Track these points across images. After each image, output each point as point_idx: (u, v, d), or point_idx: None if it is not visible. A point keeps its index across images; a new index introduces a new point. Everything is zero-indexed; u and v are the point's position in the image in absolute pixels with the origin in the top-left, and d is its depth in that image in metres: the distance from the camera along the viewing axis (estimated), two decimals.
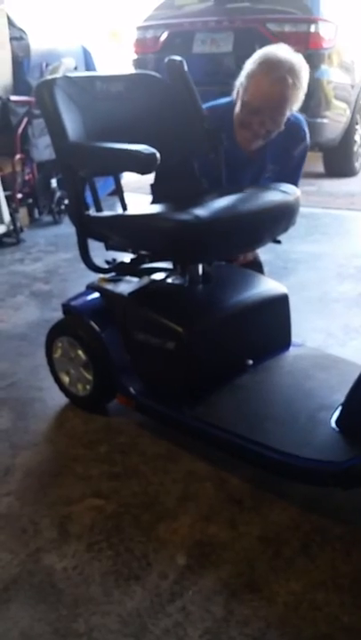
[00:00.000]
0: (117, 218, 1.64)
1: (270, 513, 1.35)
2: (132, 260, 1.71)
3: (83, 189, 1.64)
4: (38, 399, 1.85)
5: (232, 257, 1.89)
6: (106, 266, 1.74)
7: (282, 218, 1.62)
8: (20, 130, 3.66)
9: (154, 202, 1.89)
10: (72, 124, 1.59)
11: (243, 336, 1.65)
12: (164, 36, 5.05)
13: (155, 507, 1.38)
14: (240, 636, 1.07)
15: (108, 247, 1.67)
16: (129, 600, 1.14)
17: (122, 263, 1.72)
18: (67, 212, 1.64)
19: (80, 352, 1.70)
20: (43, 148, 3.77)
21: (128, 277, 1.74)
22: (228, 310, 1.62)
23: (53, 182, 3.97)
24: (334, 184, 5.09)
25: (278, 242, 1.72)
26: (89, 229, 1.64)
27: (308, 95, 5.04)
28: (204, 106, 1.86)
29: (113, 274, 1.76)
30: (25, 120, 3.67)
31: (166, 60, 1.77)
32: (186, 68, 1.75)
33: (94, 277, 1.77)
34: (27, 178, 3.86)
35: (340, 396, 1.39)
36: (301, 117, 2.06)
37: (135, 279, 1.73)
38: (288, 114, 1.89)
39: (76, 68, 4.05)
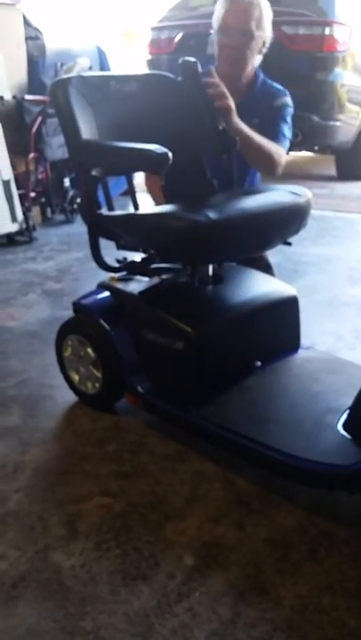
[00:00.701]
0: (129, 217, 1.64)
1: (278, 515, 1.35)
2: (142, 259, 1.71)
3: (95, 188, 1.64)
4: (48, 397, 1.86)
5: (242, 258, 1.89)
6: (117, 265, 1.74)
7: (293, 220, 1.62)
8: (34, 129, 3.68)
9: (166, 201, 1.90)
10: (85, 124, 1.60)
11: (251, 337, 1.65)
12: (178, 37, 5.06)
13: (163, 506, 1.38)
14: (247, 638, 1.07)
15: (119, 246, 1.68)
16: (136, 599, 1.14)
17: (132, 262, 1.72)
18: (79, 210, 1.65)
19: (90, 350, 1.71)
20: (56, 147, 3.79)
21: (138, 277, 1.75)
22: (238, 311, 1.62)
23: (66, 181, 3.99)
24: (347, 187, 5.07)
25: (289, 244, 1.71)
26: (101, 228, 1.64)
27: (322, 98, 5.05)
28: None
29: (124, 273, 1.76)
30: (39, 119, 3.69)
31: (180, 60, 1.77)
32: (200, 69, 1.75)
33: (105, 276, 1.78)
34: (40, 177, 3.88)
35: (348, 400, 1.38)
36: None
37: (145, 279, 1.73)
38: (258, 43, 1.95)
39: (90, 68, 4.07)
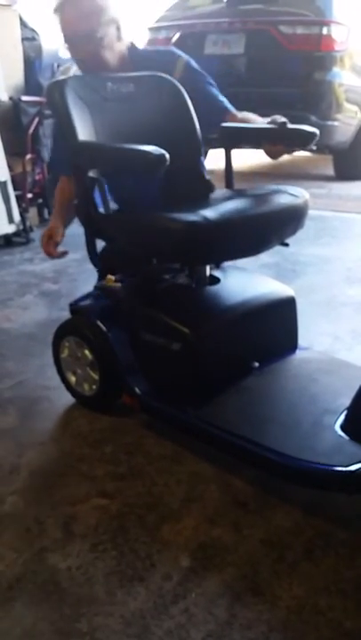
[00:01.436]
0: (126, 218, 1.64)
1: (274, 516, 1.35)
2: (139, 260, 1.71)
3: (92, 189, 1.64)
4: (45, 398, 1.86)
5: (240, 259, 1.88)
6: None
7: (290, 221, 1.62)
8: (30, 130, 3.68)
9: (164, 203, 1.90)
10: (82, 125, 1.60)
11: (249, 338, 1.65)
12: (175, 37, 5.07)
13: (159, 508, 1.38)
14: (243, 639, 1.07)
15: (116, 248, 1.68)
16: (132, 601, 1.14)
17: (130, 264, 1.72)
18: (75, 211, 1.65)
19: (87, 352, 1.71)
20: None
21: (135, 278, 1.75)
22: (235, 312, 1.62)
23: None
24: (344, 187, 5.07)
25: (286, 244, 1.71)
26: (97, 229, 1.64)
27: (320, 97, 5.05)
28: None
29: (120, 274, 1.76)
30: (36, 120, 3.69)
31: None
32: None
33: None
34: (37, 178, 3.88)
35: (346, 401, 1.38)
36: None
37: (142, 280, 1.73)
38: (110, 36, 1.78)
39: None
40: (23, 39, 3.96)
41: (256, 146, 2.10)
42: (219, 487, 1.44)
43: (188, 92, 1.83)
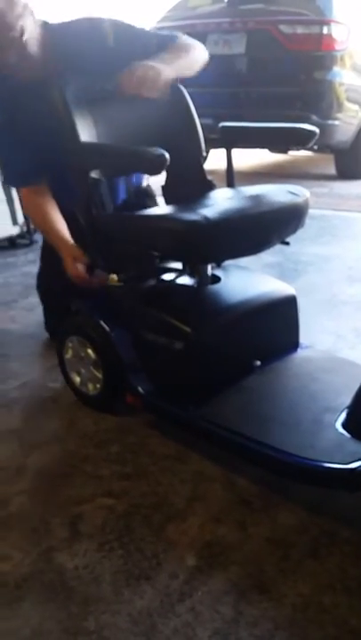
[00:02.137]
0: (127, 218, 1.65)
1: (279, 515, 1.35)
2: (141, 260, 1.72)
3: (93, 190, 1.65)
4: (50, 399, 1.87)
5: (241, 257, 1.89)
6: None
7: (291, 219, 1.63)
8: None
9: (166, 203, 1.91)
10: (83, 125, 1.60)
11: (251, 337, 1.66)
12: None
13: (164, 507, 1.39)
14: (249, 636, 1.07)
15: (116, 250, 1.68)
16: (139, 599, 1.15)
17: (132, 263, 1.73)
18: (77, 212, 1.65)
19: (90, 351, 1.72)
20: None
21: (137, 277, 1.76)
22: (237, 311, 1.63)
23: None
24: (345, 186, 5.08)
25: (287, 243, 1.72)
26: (99, 230, 1.65)
27: (320, 97, 5.05)
28: None
29: (122, 274, 1.77)
30: None
31: None
32: None
33: None
34: None
35: (347, 399, 1.39)
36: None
37: (144, 279, 1.74)
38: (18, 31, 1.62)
39: None
40: None
41: (257, 146, 2.10)
42: (223, 486, 1.45)
43: (126, 53, 1.66)
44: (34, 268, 3.13)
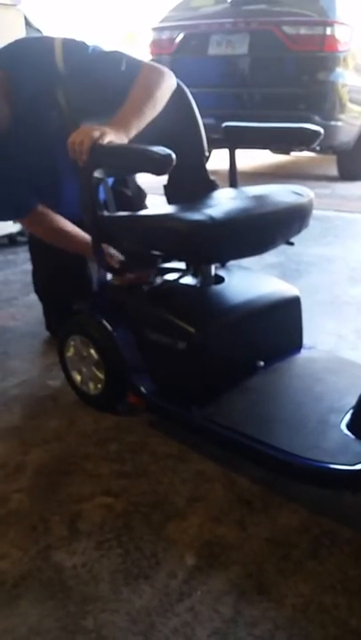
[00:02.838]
0: (131, 218, 1.64)
1: (279, 515, 1.35)
2: (145, 260, 1.72)
3: (97, 190, 1.64)
4: (50, 397, 1.86)
5: (246, 258, 1.89)
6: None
7: (295, 219, 1.63)
8: None
9: (168, 203, 1.90)
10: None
11: (254, 337, 1.65)
12: (179, 38, 5.08)
13: (164, 506, 1.38)
14: (248, 636, 1.07)
15: (120, 249, 1.68)
16: (138, 598, 1.15)
17: (134, 263, 1.72)
18: (81, 212, 1.64)
19: (92, 351, 1.71)
20: None
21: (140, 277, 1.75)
22: (240, 311, 1.63)
23: None
24: (348, 187, 5.08)
25: (291, 243, 1.72)
26: (103, 230, 1.64)
27: (323, 98, 5.07)
28: None
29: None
30: None
31: None
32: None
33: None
34: None
35: (351, 400, 1.39)
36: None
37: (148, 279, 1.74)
38: None
39: None
40: None
41: (261, 146, 2.08)
42: (224, 486, 1.44)
43: (79, 76, 1.65)
44: None
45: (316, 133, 1.73)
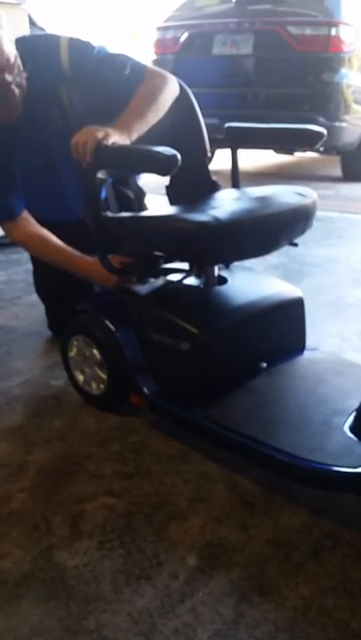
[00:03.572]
0: (135, 219, 1.64)
1: (281, 517, 1.35)
2: (148, 260, 1.72)
3: (100, 191, 1.64)
4: (52, 397, 1.86)
5: (250, 259, 1.90)
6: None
7: (299, 220, 1.62)
8: None
9: (170, 203, 1.90)
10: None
11: (257, 339, 1.65)
12: (183, 37, 5.07)
13: (166, 507, 1.38)
14: (249, 638, 1.07)
15: (122, 250, 1.68)
16: (139, 599, 1.15)
17: (138, 263, 1.73)
18: (83, 213, 1.64)
19: (95, 351, 1.71)
20: None
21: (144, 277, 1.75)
22: (244, 312, 1.63)
23: None
24: (352, 188, 5.07)
25: (295, 244, 1.72)
26: (106, 231, 1.64)
27: (327, 98, 5.06)
28: None
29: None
30: None
31: None
32: None
33: None
34: None
35: (355, 402, 1.39)
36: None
37: (151, 280, 1.74)
38: (16, 80, 1.62)
39: None
40: None
41: (263, 147, 2.08)
42: (226, 487, 1.44)
43: (83, 77, 1.67)
44: None
45: (319, 134, 1.72)
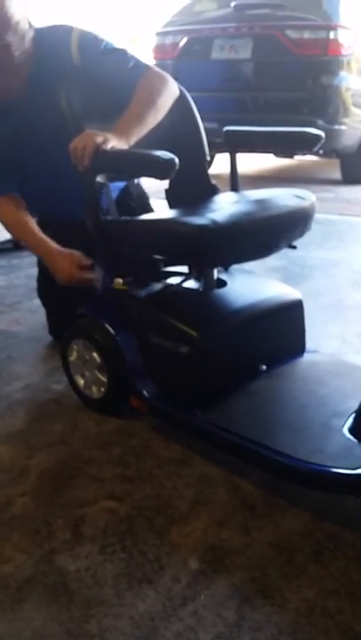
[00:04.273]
0: (134, 223, 1.65)
1: (283, 519, 1.35)
2: (147, 263, 1.72)
3: (100, 195, 1.65)
4: (53, 401, 1.87)
5: (249, 261, 1.90)
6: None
7: (298, 223, 1.63)
8: None
9: (170, 207, 1.91)
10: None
11: (257, 341, 1.65)
12: (182, 42, 5.08)
13: (168, 510, 1.38)
14: None
15: (122, 254, 1.68)
16: (141, 603, 1.15)
17: (138, 267, 1.73)
18: (84, 217, 1.65)
19: (95, 354, 1.71)
20: None
21: (143, 281, 1.75)
22: (243, 315, 1.63)
23: None
24: (351, 191, 5.08)
25: (294, 247, 1.72)
26: (106, 235, 1.65)
27: (327, 102, 5.07)
28: None
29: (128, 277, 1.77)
30: None
31: None
32: None
33: None
34: None
35: (354, 404, 1.38)
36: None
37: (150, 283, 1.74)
38: (20, 39, 1.65)
39: None
40: None
41: (262, 150, 2.09)
42: (227, 490, 1.44)
43: (90, 67, 1.70)
44: (37, 270, 3.15)
45: (318, 137, 1.73)
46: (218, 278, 1.74)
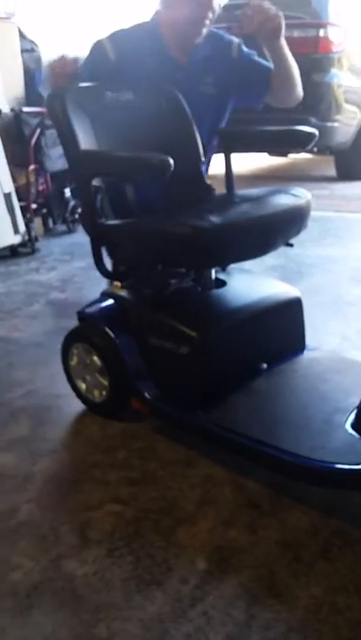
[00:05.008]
0: (131, 225, 1.65)
1: (289, 517, 1.35)
2: (145, 266, 1.72)
3: (95, 198, 1.65)
4: (56, 406, 1.87)
5: (246, 261, 1.89)
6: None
7: (294, 221, 1.63)
8: (33, 141, 3.70)
9: (166, 208, 1.91)
10: (84, 134, 1.61)
11: (257, 340, 1.65)
12: None
13: (174, 512, 1.38)
14: None
15: (120, 256, 1.68)
16: (150, 605, 1.15)
17: (136, 269, 1.73)
18: (80, 221, 1.65)
19: (95, 358, 1.72)
20: (56, 159, 3.81)
21: (142, 283, 1.75)
22: (242, 314, 1.63)
23: (67, 192, 4.01)
24: (347, 187, 5.08)
25: (291, 245, 1.72)
26: (102, 237, 1.65)
27: (319, 99, 5.07)
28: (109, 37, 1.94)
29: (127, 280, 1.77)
30: (38, 131, 3.71)
31: None
32: None
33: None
34: (40, 188, 3.90)
35: (356, 400, 1.38)
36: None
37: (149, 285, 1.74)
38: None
39: None
40: (22, 51, 3.99)
41: (257, 149, 2.08)
42: (232, 489, 1.44)
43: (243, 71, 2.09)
44: (36, 276, 3.16)
45: (311, 135, 1.73)
46: (216, 278, 1.74)
